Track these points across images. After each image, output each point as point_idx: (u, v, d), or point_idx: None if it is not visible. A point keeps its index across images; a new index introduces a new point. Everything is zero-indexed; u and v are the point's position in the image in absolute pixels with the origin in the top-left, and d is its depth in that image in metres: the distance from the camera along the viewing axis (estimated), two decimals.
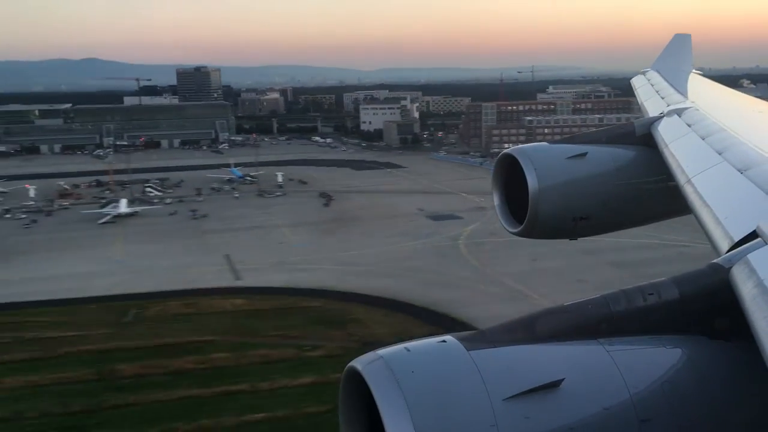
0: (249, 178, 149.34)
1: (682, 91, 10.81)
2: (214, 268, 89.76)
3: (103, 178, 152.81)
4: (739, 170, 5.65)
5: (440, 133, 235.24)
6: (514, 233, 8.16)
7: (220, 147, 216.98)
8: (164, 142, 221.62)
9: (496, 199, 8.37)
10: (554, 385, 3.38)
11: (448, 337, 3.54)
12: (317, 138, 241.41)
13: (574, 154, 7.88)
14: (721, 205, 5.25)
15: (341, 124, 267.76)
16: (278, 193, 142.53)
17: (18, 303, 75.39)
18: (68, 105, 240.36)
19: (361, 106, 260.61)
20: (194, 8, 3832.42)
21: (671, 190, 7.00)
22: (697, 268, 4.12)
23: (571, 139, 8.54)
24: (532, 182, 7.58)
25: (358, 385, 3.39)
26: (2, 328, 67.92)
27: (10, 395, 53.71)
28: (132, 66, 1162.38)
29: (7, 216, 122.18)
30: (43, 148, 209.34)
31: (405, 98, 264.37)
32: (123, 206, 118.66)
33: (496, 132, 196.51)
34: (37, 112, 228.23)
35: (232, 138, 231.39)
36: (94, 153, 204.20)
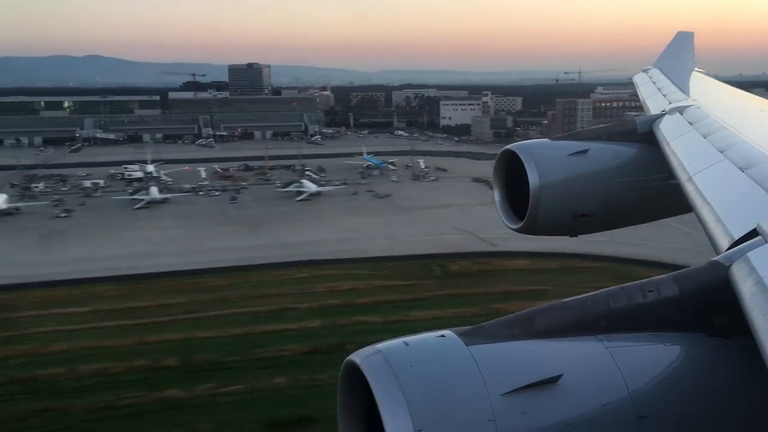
0: (391, 166, 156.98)
1: (684, 89, 10.83)
2: (459, 236, 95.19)
3: (251, 164, 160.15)
4: (740, 168, 5.65)
5: (534, 127, 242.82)
6: (514, 229, 8.22)
7: (313, 138, 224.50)
8: (257, 134, 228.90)
9: (496, 195, 8.43)
10: (552, 381, 3.40)
11: (447, 332, 3.57)
12: (401, 132, 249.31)
13: (576, 151, 7.94)
14: (721, 203, 5.26)
15: (413, 119, 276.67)
16: (432, 178, 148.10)
17: (327, 260, 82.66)
18: (156, 97, 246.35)
19: (441, 102, 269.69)
20: (197, 7, 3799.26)
21: (672, 187, 7.00)
22: (698, 265, 4.16)
23: (573, 136, 8.58)
24: (533, 178, 7.62)
25: (356, 378, 3.41)
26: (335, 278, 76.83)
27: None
28: (135, 63, 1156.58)
29: (201, 193, 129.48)
30: (146, 137, 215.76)
31: (486, 95, 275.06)
32: (314, 187, 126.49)
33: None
34: (137, 103, 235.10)
35: (323, 130, 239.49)
36: (197, 142, 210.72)
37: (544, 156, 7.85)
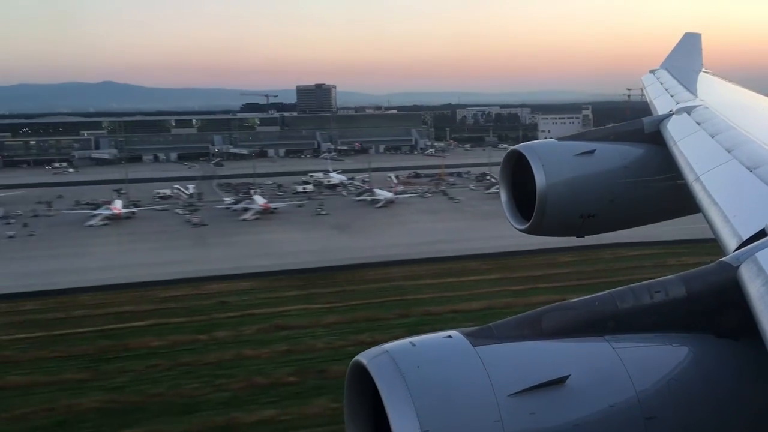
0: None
1: (692, 90, 10.80)
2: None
3: (420, 172, 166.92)
4: (748, 168, 5.62)
5: None
6: (520, 230, 8.19)
7: (427, 152, 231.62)
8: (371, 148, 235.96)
9: (503, 196, 8.41)
10: (560, 381, 3.38)
11: (453, 332, 3.56)
12: (504, 145, 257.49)
13: (583, 151, 7.90)
14: (729, 204, 5.23)
15: (505, 134, 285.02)
16: None
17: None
18: (276, 114, 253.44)
19: (540, 117, 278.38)
20: (206, 34, 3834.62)
21: (680, 188, 6.96)
22: (705, 265, 4.12)
23: (580, 136, 8.55)
24: (539, 179, 7.59)
25: (363, 379, 3.41)
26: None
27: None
28: (147, 89, 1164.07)
29: (413, 195, 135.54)
30: (270, 152, 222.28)
31: (587, 108, 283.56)
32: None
33: None
34: (258, 120, 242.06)
35: (435, 144, 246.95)
36: (321, 156, 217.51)
37: (551, 156, 7.83)
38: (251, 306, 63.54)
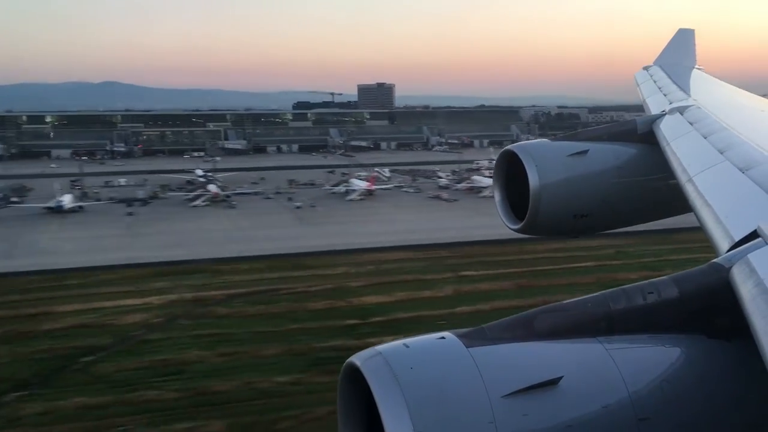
0: None
1: (685, 89, 10.83)
2: None
3: None
4: (740, 169, 5.63)
5: None
6: (514, 230, 8.18)
7: None
8: (475, 142, 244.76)
9: (496, 196, 8.41)
10: (553, 382, 3.39)
11: (447, 334, 3.57)
12: None
13: (576, 152, 7.92)
14: (722, 205, 5.25)
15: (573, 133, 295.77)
16: None
17: None
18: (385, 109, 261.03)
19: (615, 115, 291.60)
20: (209, 34, 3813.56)
21: (672, 188, 6.98)
22: (698, 267, 4.13)
23: (573, 137, 8.57)
24: (533, 179, 7.61)
25: (356, 380, 3.41)
26: None
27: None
28: (150, 89, 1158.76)
29: None
30: (383, 145, 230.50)
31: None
32: None
33: None
34: (368, 115, 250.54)
35: (529, 138, 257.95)
36: (434, 149, 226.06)
37: (544, 156, 7.87)
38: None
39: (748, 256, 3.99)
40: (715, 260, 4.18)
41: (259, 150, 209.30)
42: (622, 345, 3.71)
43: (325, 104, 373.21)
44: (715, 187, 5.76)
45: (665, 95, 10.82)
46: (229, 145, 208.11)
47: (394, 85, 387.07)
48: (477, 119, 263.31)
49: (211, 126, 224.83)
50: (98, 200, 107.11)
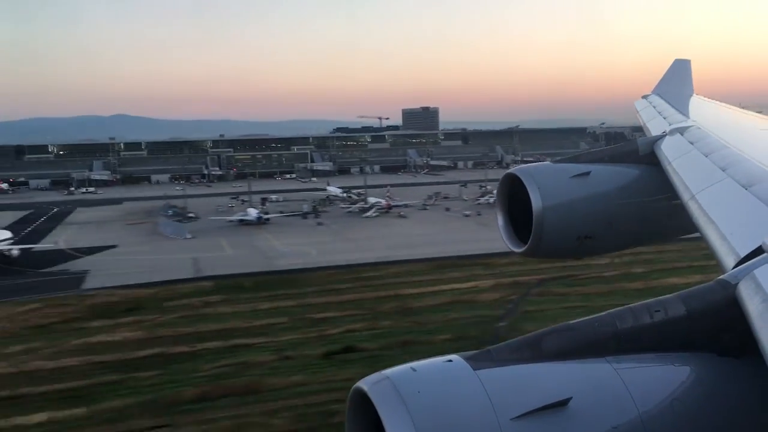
0: None
1: (684, 111, 10.95)
2: None
3: None
4: (743, 186, 5.65)
5: None
6: (518, 253, 8.17)
7: None
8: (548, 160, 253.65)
9: (500, 219, 8.40)
10: (562, 404, 3.36)
11: (454, 357, 3.55)
12: None
13: (578, 173, 7.93)
14: (726, 221, 5.26)
15: None
16: None
17: None
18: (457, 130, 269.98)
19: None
20: (214, 67, 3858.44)
21: (676, 208, 6.99)
22: (704, 284, 4.11)
23: (575, 159, 8.58)
24: (536, 202, 7.62)
25: (364, 405, 3.39)
26: None
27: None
28: (160, 121, 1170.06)
29: None
30: (460, 164, 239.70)
31: None
32: None
33: None
34: (442, 136, 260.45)
35: None
36: (509, 167, 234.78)
37: (546, 179, 7.88)
38: None
39: (755, 272, 3.96)
40: (721, 277, 4.13)
41: (343, 171, 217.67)
42: (631, 364, 3.67)
43: (365, 129, 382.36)
44: (719, 204, 5.71)
45: (665, 118, 10.92)
46: (317, 166, 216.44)
47: (438, 109, 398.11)
48: (547, 138, 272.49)
49: (295, 149, 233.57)
50: (267, 213, 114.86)
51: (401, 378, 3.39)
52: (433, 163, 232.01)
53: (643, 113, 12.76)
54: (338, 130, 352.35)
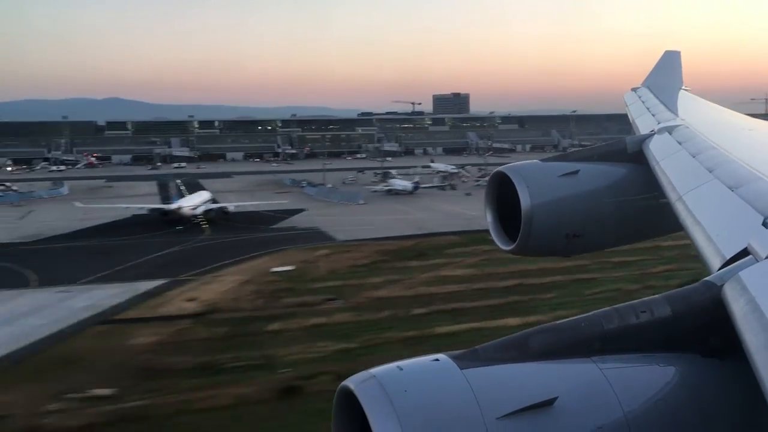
0: None
1: (673, 109, 10.96)
2: None
3: None
4: (729, 188, 5.68)
5: None
6: (507, 251, 8.20)
7: None
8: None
9: (488, 217, 8.42)
10: (548, 403, 3.38)
11: (440, 356, 3.57)
12: None
13: (567, 172, 7.97)
14: (712, 223, 5.29)
15: None
16: None
17: None
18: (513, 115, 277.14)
19: None
20: (212, 51, 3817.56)
21: (663, 207, 7.03)
22: (690, 285, 4.15)
23: (564, 157, 8.66)
24: (524, 200, 7.66)
25: (351, 404, 3.39)
26: None
27: None
28: (154, 105, 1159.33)
29: None
30: (518, 147, 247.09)
31: None
32: None
33: None
34: (499, 119, 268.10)
35: None
36: (566, 151, 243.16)
37: (535, 177, 7.91)
38: None
39: (740, 273, 3.99)
40: (707, 278, 4.17)
41: (408, 152, 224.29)
42: (616, 364, 3.70)
43: (389, 114, 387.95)
44: (705, 205, 5.75)
45: (653, 115, 10.90)
46: (386, 147, 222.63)
47: (468, 95, 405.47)
48: (601, 123, 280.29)
49: (360, 130, 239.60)
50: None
51: (388, 377, 3.40)
52: (496, 145, 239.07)
53: (632, 108, 12.70)
54: (362, 114, 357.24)
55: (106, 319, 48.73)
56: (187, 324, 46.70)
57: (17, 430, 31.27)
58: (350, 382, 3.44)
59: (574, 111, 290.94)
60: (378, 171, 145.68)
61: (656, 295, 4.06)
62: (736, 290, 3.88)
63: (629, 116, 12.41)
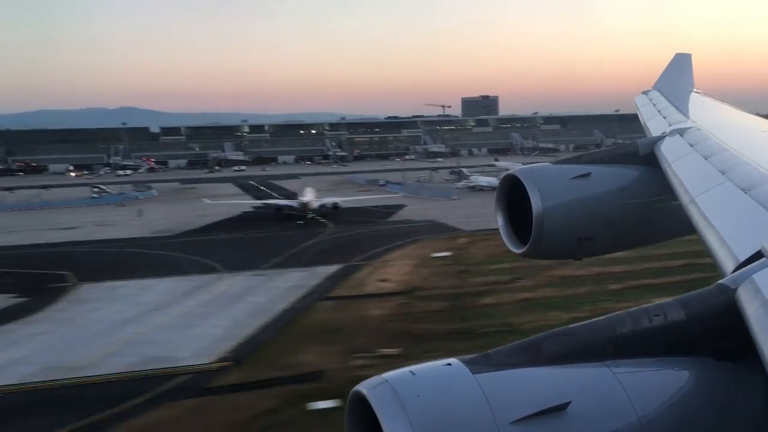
0: None
1: (684, 111, 10.97)
2: None
3: None
4: (743, 190, 5.67)
5: None
6: (518, 254, 8.23)
7: None
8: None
9: (500, 220, 8.43)
10: (561, 408, 3.37)
11: (453, 360, 3.56)
12: None
13: (578, 175, 7.97)
14: (725, 225, 5.28)
15: None
16: None
17: None
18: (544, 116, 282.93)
19: None
20: (219, 63, 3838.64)
21: (675, 209, 7.02)
22: (704, 288, 4.14)
23: (575, 160, 8.64)
24: (535, 203, 7.67)
25: (363, 409, 3.40)
26: None
27: None
28: (167, 114, 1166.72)
29: None
30: (561, 147, 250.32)
31: None
32: None
33: None
34: (541, 119, 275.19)
35: None
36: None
37: (546, 180, 7.92)
38: None
39: (754, 276, 3.98)
40: (720, 281, 4.16)
41: (454, 153, 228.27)
42: (630, 369, 3.69)
43: (414, 117, 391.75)
44: (718, 207, 5.74)
45: (665, 117, 10.93)
46: (432, 148, 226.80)
47: (497, 97, 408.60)
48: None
49: (405, 132, 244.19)
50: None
51: (400, 382, 3.41)
52: (542, 145, 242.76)
53: (643, 111, 12.65)
54: (389, 118, 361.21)
55: (323, 296, 51.54)
56: (402, 300, 49.23)
57: (341, 380, 33.19)
58: (363, 387, 3.44)
59: (617, 110, 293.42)
60: (454, 170, 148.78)
61: (669, 299, 4.04)
62: (750, 293, 3.85)
63: (640, 119, 12.43)
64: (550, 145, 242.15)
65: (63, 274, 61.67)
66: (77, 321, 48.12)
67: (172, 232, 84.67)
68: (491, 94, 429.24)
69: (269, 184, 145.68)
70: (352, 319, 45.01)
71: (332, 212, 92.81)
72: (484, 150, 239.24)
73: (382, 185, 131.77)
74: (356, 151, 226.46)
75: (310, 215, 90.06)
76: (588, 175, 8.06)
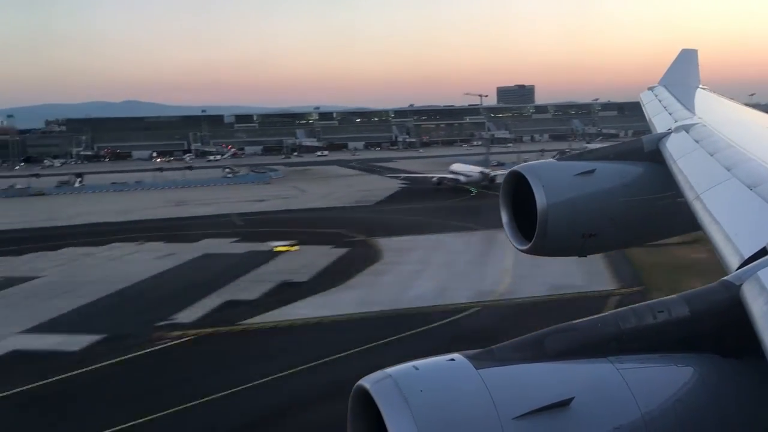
0: None
1: (690, 107, 10.90)
2: None
3: None
4: (748, 186, 5.64)
5: None
6: (522, 250, 8.20)
7: None
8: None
9: (504, 217, 8.42)
10: (564, 404, 3.36)
11: (456, 356, 3.56)
12: None
13: (583, 171, 7.95)
14: (730, 222, 5.25)
15: None
16: None
17: None
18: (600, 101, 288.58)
19: None
20: (220, 59, 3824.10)
21: (680, 206, 6.99)
22: (708, 285, 4.12)
23: (580, 156, 8.61)
24: (540, 199, 7.65)
25: (366, 403, 3.40)
26: None
27: None
28: (171, 107, 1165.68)
29: None
30: (621, 133, 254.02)
31: None
32: None
33: None
34: (599, 106, 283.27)
35: None
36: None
37: (551, 177, 7.89)
38: None
39: (758, 273, 3.96)
40: (725, 278, 4.15)
41: (517, 139, 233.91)
42: (634, 365, 3.67)
43: (447, 107, 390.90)
44: (723, 204, 5.71)
45: (670, 114, 10.85)
46: (498, 135, 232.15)
47: (533, 86, 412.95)
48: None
49: (468, 119, 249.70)
50: None
51: (404, 376, 3.40)
52: (604, 132, 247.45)
53: (649, 107, 12.60)
54: (411, 106, 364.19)
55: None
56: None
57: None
58: (366, 382, 3.44)
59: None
60: (556, 154, 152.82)
61: (674, 295, 4.04)
62: (755, 290, 3.84)
63: (646, 115, 12.34)
64: (613, 131, 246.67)
65: (341, 233, 66.82)
66: (423, 261, 54.10)
67: (370, 202, 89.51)
68: (528, 83, 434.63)
69: (372, 167, 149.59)
70: (679, 261, 49.09)
71: (488, 185, 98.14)
72: (546, 136, 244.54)
73: (495, 166, 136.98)
74: (425, 137, 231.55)
75: (473, 189, 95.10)
76: (593, 171, 8.04)
